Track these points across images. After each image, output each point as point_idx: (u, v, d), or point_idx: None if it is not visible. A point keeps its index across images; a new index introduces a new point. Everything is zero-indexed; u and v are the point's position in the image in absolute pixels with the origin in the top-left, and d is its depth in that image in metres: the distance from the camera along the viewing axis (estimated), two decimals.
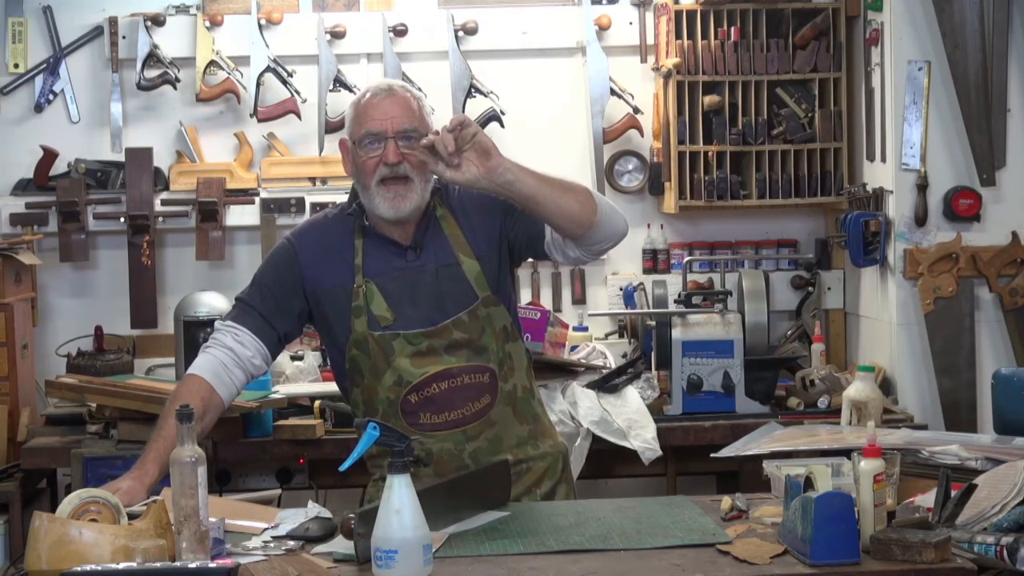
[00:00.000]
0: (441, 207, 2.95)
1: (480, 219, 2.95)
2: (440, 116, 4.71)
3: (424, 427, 2.89)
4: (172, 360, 4.64)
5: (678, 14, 4.69)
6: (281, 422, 4.04)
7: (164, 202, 4.80)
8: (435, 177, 2.89)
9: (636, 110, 4.84)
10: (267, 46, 4.79)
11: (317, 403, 4.09)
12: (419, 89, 4.71)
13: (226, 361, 2.88)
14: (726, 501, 2.68)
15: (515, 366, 2.98)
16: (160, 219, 4.80)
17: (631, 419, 4.13)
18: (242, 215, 4.83)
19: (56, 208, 4.74)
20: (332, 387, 4.24)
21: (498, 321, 2.94)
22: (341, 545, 2.47)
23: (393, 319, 2.89)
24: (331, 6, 4.91)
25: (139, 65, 4.75)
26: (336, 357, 2.99)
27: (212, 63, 4.78)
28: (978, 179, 4.35)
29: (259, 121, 4.80)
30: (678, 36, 4.69)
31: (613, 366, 4.45)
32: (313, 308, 2.96)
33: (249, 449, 4.01)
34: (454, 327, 2.89)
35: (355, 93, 4.74)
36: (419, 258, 2.92)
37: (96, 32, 4.83)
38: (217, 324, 2.99)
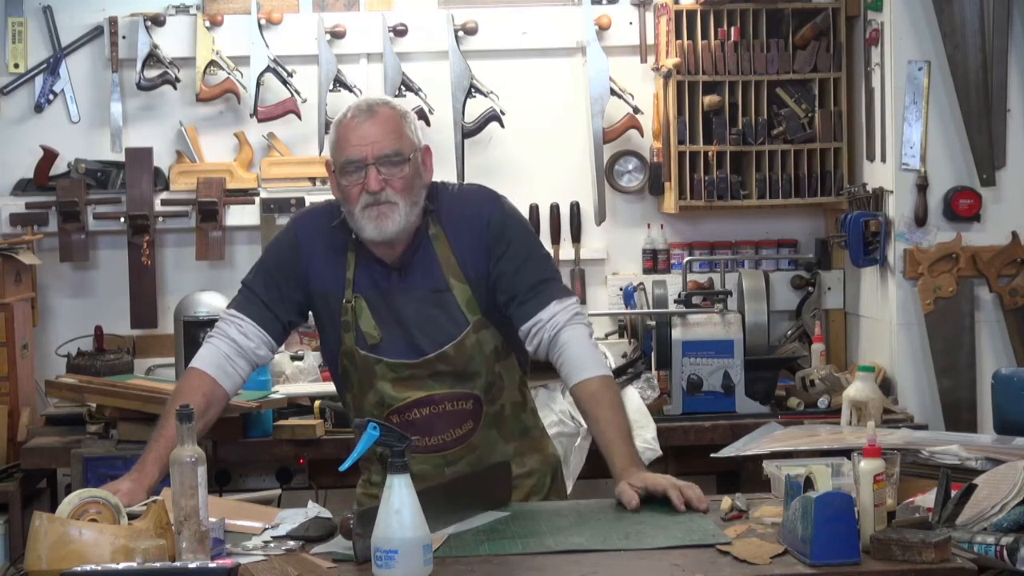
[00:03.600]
0: (434, 225, 2.86)
1: (471, 242, 2.86)
2: (440, 116, 4.78)
3: None
4: (172, 360, 4.64)
5: (678, 14, 4.69)
6: (281, 422, 4.04)
7: (164, 202, 4.80)
8: (424, 197, 2.84)
9: (636, 110, 4.84)
10: (267, 46, 4.79)
11: (317, 403, 4.10)
12: (419, 91, 4.77)
13: (229, 352, 2.85)
14: (726, 501, 2.68)
15: (505, 384, 2.93)
16: (160, 219, 4.80)
17: (631, 419, 4.12)
18: (242, 215, 4.83)
19: (56, 208, 4.74)
20: (332, 387, 4.22)
21: (488, 344, 2.87)
22: (341, 545, 2.47)
23: (380, 338, 2.84)
24: (331, 6, 4.91)
25: (139, 65, 4.74)
26: (330, 359, 2.97)
27: (212, 63, 4.78)
28: (978, 179, 4.35)
29: (259, 121, 4.80)
30: (678, 36, 4.69)
31: (613, 366, 4.44)
32: (311, 303, 2.93)
33: (249, 449, 4.01)
34: (438, 361, 2.84)
35: (355, 93, 4.76)
36: (404, 280, 2.85)
37: (96, 32, 4.83)
38: (222, 312, 2.94)
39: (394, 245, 2.83)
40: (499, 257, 2.84)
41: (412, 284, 2.85)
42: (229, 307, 2.94)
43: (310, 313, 2.99)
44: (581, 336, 2.83)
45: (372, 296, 2.86)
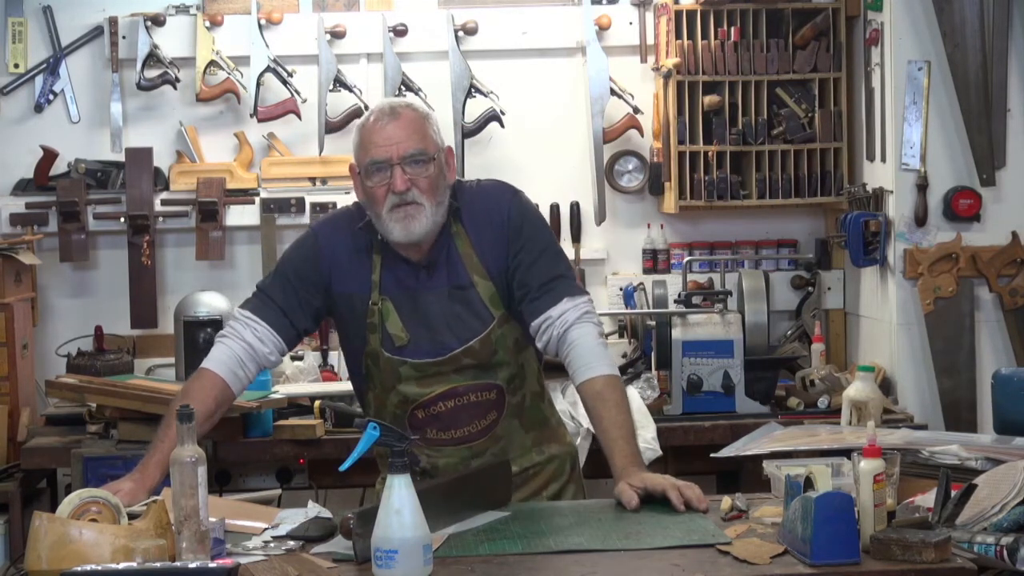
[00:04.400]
0: (456, 224, 2.87)
1: (491, 238, 2.88)
2: (440, 116, 4.73)
3: (431, 442, 2.88)
4: (172, 360, 4.64)
5: (678, 14, 4.70)
6: (281, 422, 4.04)
7: (164, 202, 4.80)
8: (449, 197, 2.85)
9: (636, 110, 4.84)
10: (267, 46, 4.79)
11: (317, 403, 4.09)
12: (419, 91, 4.77)
13: (242, 356, 2.85)
14: (726, 501, 2.68)
15: (527, 374, 2.95)
16: (160, 219, 4.80)
17: None
18: (242, 215, 4.83)
19: (56, 208, 4.74)
20: (332, 387, 4.26)
21: (511, 336, 2.89)
22: (341, 545, 2.47)
23: (407, 339, 2.84)
24: (331, 6, 4.91)
25: (139, 65, 4.75)
26: (352, 360, 2.97)
27: (212, 63, 4.78)
28: (978, 179, 4.36)
29: (259, 121, 4.80)
30: (678, 36, 4.69)
31: None
32: (332, 307, 2.92)
33: (249, 449, 4.01)
34: (463, 355, 2.85)
35: (355, 93, 4.77)
36: (431, 278, 2.86)
37: (96, 32, 4.83)
38: (237, 312, 2.92)
39: (421, 244, 2.84)
40: (516, 252, 2.86)
41: (438, 282, 2.86)
42: (243, 308, 2.92)
43: (327, 315, 2.99)
44: (590, 334, 2.83)
45: (398, 296, 2.86)
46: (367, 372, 2.92)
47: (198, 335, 4.35)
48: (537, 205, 4.69)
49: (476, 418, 2.89)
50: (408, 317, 2.85)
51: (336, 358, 4.62)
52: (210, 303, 4.48)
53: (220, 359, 2.85)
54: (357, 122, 2.93)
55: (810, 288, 4.84)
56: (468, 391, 2.87)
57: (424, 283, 2.86)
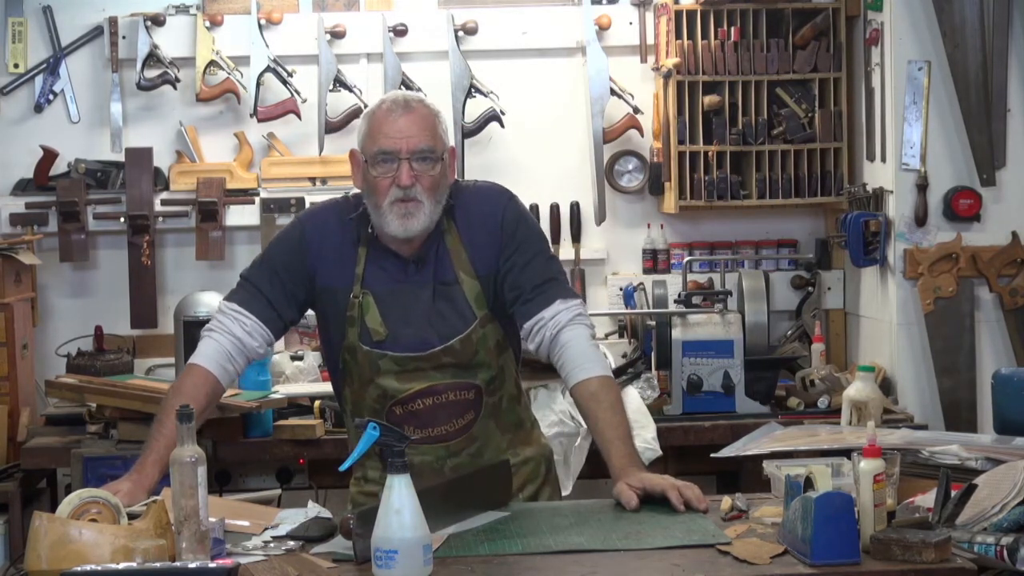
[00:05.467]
0: (448, 221, 2.87)
1: (484, 239, 2.88)
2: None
3: None
4: (172, 360, 4.64)
5: (678, 14, 4.70)
6: (281, 422, 4.04)
7: (164, 202, 4.80)
8: (447, 196, 2.86)
9: (636, 110, 4.84)
10: (267, 46, 4.79)
11: (317, 403, 4.10)
12: (419, 91, 4.76)
13: (231, 350, 2.85)
14: (726, 501, 2.68)
15: (505, 377, 2.95)
16: (160, 219, 4.81)
17: (631, 419, 4.11)
18: (242, 215, 4.83)
19: (56, 208, 4.74)
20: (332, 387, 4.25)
21: (492, 337, 2.89)
22: (341, 545, 2.47)
23: (386, 335, 2.84)
24: (331, 6, 4.91)
25: (139, 65, 4.75)
26: (331, 354, 2.97)
27: (212, 63, 4.78)
28: (978, 179, 4.36)
29: (259, 121, 4.80)
30: (678, 36, 4.69)
31: (613, 366, 4.44)
32: (315, 300, 2.92)
33: (249, 449, 4.01)
34: (443, 354, 2.85)
35: (355, 93, 4.77)
36: (419, 273, 2.86)
37: (96, 32, 4.83)
38: (222, 305, 2.91)
39: (412, 240, 2.84)
40: (510, 254, 2.87)
41: (425, 277, 2.86)
42: (229, 300, 2.91)
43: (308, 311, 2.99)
44: (582, 336, 2.84)
45: (382, 290, 2.86)
46: (344, 366, 2.91)
47: (198, 335, 4.32)
48: (537, 205, 4.80)
49: (454, 417, 2.89)
50: (389, 312, 2.85)
51: None
52: (210, 303, 4.47)
53: (209, 355, 2.85)
54: (367, 109, 2.91)
55: (810, 288, 4.84)
56: (447, 390, 2.87)
57: (412, 277, 2.86)
